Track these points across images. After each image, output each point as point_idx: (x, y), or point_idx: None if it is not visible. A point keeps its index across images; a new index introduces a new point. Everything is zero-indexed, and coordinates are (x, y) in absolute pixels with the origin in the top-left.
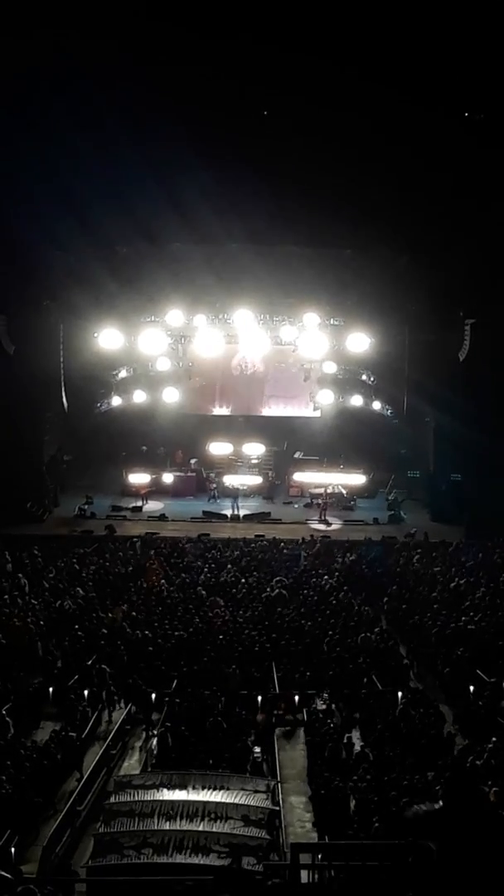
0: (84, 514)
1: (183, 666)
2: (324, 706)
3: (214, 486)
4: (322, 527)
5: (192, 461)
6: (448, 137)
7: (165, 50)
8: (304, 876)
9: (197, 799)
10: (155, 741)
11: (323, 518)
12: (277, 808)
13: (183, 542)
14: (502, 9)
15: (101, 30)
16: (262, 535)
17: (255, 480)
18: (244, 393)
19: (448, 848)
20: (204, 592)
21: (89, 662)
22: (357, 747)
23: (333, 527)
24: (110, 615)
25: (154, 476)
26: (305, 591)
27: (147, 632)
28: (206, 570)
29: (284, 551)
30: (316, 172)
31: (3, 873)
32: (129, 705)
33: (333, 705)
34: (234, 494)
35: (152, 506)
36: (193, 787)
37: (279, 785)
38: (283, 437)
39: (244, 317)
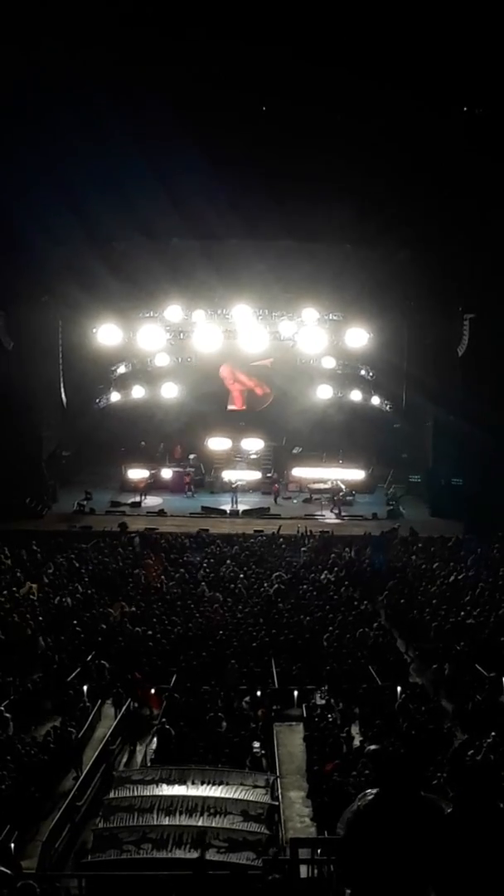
0: (83, 510)
1: (182, 661)
2: (323, 701)
3: (189, 479)
4: (333, 520)
5: (191, 457)
6: (447, 132)
7: (162, 46)
8: (304, 871)
9: (196, 794)
10: (154, 736)
11: (337, 511)
12: (276, 803)
13: (182, 537)
14: (500, 6)
15: (98, 26)
16: (261, 531)
17: (254, 476)
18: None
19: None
20: (204, 588)
21: (88, 658)
22: (356, 742)
23: (331, 521)
24: (110, 611)
25: (153, 471)
26: (304, 587)
27: (146, 627)
28: (204, 565)
29: (283, 546)
30: (315, 167)
31: (3, 869)
32: (129, 700)
33: (332, 700)
34: (231, 490)
35: (151, 501)
36: (192, 783)
37: (278, 780)
38: (282, 433)
39: (243, 312)
